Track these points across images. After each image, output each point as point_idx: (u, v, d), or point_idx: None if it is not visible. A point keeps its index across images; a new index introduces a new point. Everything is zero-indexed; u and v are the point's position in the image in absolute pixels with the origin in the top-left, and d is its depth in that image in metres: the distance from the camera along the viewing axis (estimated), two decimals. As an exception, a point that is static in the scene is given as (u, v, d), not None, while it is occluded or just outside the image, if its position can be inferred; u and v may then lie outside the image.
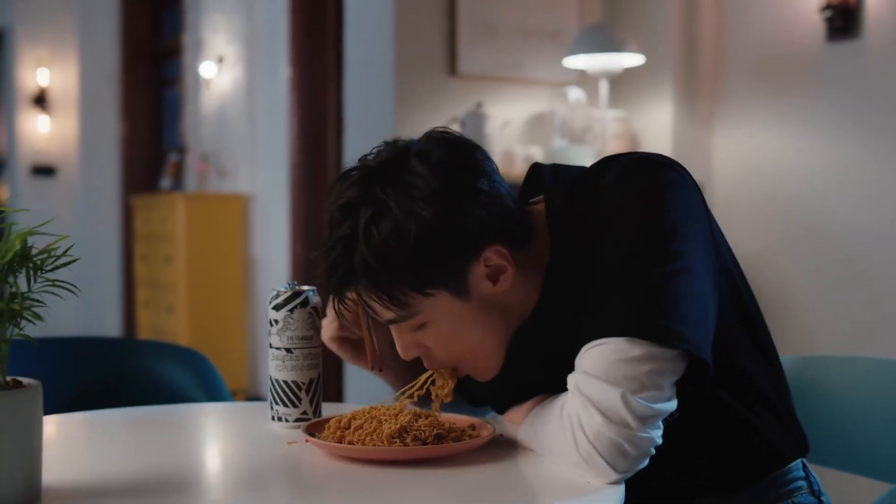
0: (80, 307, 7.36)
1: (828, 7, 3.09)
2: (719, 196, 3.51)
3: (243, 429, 1.40)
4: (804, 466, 1.36)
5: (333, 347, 1.40)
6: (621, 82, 3.68)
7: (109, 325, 7.18)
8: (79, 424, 1.44)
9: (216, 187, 6.04)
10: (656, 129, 3.60)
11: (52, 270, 1.02)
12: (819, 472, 1.41)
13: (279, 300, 1.36)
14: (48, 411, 1.55)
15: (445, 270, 1.18)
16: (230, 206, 5.75)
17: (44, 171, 7.46)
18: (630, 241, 1.16)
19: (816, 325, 3.21)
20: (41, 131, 7.44)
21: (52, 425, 1.38)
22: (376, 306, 1.21)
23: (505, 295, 1.24)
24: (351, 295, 1.31)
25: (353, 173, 1.21)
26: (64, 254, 1.04)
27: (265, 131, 5.51)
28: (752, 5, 3.43)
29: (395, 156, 1.20)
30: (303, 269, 5.17)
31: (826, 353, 1.81)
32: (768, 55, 3.37)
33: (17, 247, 0.99)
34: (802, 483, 1.34)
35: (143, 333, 6.23)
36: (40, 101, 7.40)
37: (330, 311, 1.36)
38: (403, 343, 1.26)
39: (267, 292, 5.10)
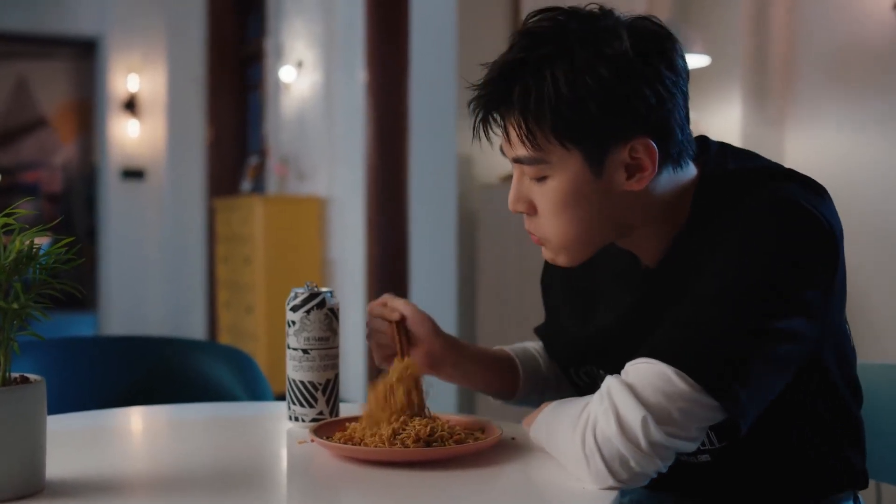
0: (168, 308, 7.55)
1: (901, 3, 3.00)
2: (790, 198, 3.43)
3: (261, 428, 1.42)
4: (855, 497, 1.31)
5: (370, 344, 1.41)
6: (688, 83, 3.62)
7: (195, 324, 7.34)
8: (94, 421, 1.47)
9: (295, 190, 6.12)
10: (724, 129, 3.53)
11: (53, 270, 1.05)
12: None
13: (296, 301, 1.37)
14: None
15: (593, 132, 1.15)
16: (307, 208, 5.82)
17: (133, 174, 7.67)
18: (735, 280, 1.11)
19: (890, 332, 3.11)
20: (131, 136, 7.66)
21: (61, 421, 1.42)
22: (514, 137, 1.18)
23: (631, 202, 1.20)
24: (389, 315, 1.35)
25: (558, 9, 1.19)
26: (70, 253, 1.08)
27: (342, 134, 5.57)
28: (824, 3, 3.34)
29: (605, 14, 1.18)
30: (378, 270, 5.21)
31: (887, 361, 1.75)
32: (842, 54, 3.28)
33: (20, 248, 1.02)
34: None
35: (224, 334, 6.35)
36: (130, 106, 7.62)
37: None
38: (517, 191, 1.23)
39: (344, 294, 5.10)
